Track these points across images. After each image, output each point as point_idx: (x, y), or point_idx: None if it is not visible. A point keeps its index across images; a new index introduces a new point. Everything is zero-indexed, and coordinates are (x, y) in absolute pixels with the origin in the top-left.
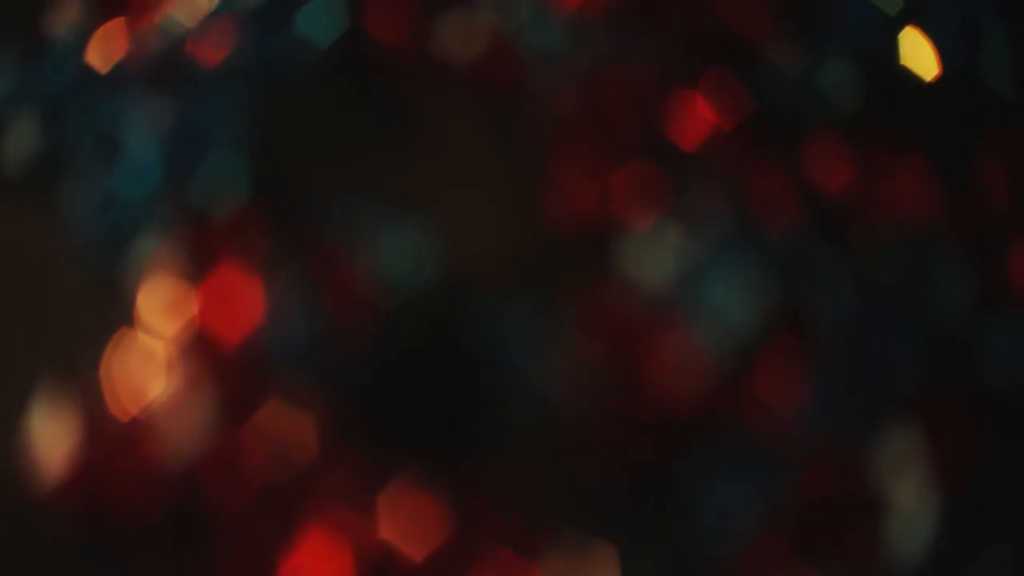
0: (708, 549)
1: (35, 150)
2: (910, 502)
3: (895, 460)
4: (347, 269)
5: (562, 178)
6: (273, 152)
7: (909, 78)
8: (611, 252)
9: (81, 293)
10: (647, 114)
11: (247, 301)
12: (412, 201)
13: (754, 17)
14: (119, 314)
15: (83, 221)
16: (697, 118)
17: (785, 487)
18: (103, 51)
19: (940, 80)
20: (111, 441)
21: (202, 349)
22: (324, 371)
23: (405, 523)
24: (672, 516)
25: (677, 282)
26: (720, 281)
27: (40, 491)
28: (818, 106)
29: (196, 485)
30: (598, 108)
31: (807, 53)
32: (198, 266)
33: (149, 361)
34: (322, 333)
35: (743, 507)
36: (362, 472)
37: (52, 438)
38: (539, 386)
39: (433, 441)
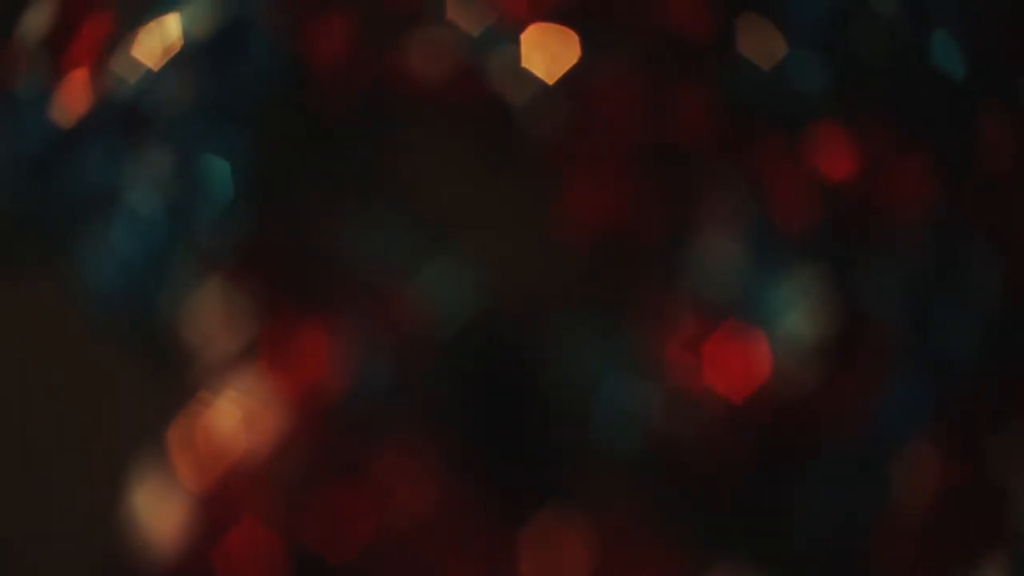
0: (836, 556)
1: (27, 219)
2: None
3: (1002, 446)
4: (397, 305)
5: (575, 191)
6: (274, 191)
7: (874, 64)
8: (647, 262)
9: (134, 363)
10: (641, 118)
11: (313, 347)
12: (436, 229)
13: (717, 16)
14: (186, 379)
15: (104, 288)
16: (690, 119)
17: (898, 486)
18: (69, 105)
19: (892, 62)
20: (220, 508)
21: (283, 401)
22: (417, 411)
23: (548, 561)
24: (791, 526)
25: (733, 288)
26: (776, 283)
27: (156, 571)
28: (801, 100)
29: (317, 542)
30: (592, 116)
31: (776, 48)
32: (252, 317)
33: (236, 421)
34: (400, 373)
35: (861, 510)
36: (494, 512)
37: (160, 516)
38: (632, 407)
39: (556, 473)
